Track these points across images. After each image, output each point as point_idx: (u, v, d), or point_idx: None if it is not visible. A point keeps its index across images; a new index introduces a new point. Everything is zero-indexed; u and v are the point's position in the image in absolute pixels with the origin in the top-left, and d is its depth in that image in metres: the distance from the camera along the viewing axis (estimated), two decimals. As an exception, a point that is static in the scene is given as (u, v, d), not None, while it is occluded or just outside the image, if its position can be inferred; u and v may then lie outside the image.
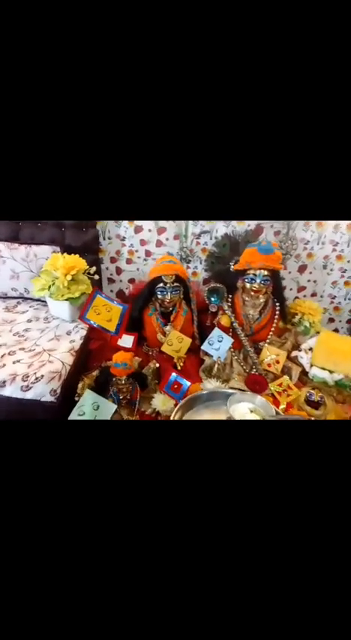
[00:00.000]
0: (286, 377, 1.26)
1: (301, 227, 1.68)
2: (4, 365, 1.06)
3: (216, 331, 1.33)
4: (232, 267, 1.38)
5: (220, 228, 1.66)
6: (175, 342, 1.31)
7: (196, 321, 1.39)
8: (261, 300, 1.34)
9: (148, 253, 1.73)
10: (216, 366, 1.27)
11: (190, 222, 1.65)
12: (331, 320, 1.96)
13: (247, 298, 1.36)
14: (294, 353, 1.35)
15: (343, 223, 1.67)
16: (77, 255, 1.36)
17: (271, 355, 1.32)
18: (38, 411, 1.01)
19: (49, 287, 1.29)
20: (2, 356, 1.10)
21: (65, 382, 1.07)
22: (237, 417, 0.99)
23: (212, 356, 1.30)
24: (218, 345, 1.31)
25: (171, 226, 1.67)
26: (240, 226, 1.65)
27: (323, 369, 1.24)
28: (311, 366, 1.28)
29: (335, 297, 1.88)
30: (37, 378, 1.02)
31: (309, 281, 1.83)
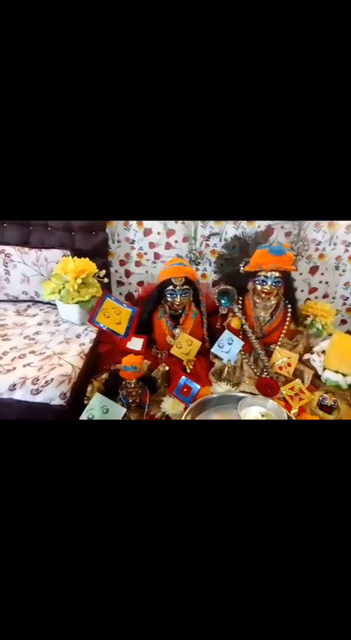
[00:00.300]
0: (298, 380, 1.24)
1: (312, 227, 1.65)
2: (15, 368, 1.07)
3: (226, 334, 1.31)
4: (242, 268, 1.36)
5: (230, 230, 1.64)
6: (184, 344, 1.30)
7: (205, 323, 1.39)
8: (272, 302, 1.33)
9: (157, 256, 1.72)
10: (226, 369, 1.25)
11: (199, 224, 1.64)
12: (344, 322, 1.92)
13: (257, 300, 1.34)
14: (306, 356, 1.33)
15: (356, 223, 1.64)
16: (87, 259, 1.37)
17: (283, 358, 1.29)
18: (48, 415, 1.02)
19: (60, 290, 1.30)
20: (13, 359, 1.11)
21: (75, 385, 1.07)
22: (248, 422, 0.98)
23: (222, 359, 1.29)
24: (228, 348, 1.29)
25: (180, 228, 1.66)
26: (250, 228, 1.63)
27: (336, 372, 1.22)
28: (324, 369, 1.25)
29: (348, 298, 1.85)
30: (47, 382, 1.03)
31: (321, 282, 1.80)
